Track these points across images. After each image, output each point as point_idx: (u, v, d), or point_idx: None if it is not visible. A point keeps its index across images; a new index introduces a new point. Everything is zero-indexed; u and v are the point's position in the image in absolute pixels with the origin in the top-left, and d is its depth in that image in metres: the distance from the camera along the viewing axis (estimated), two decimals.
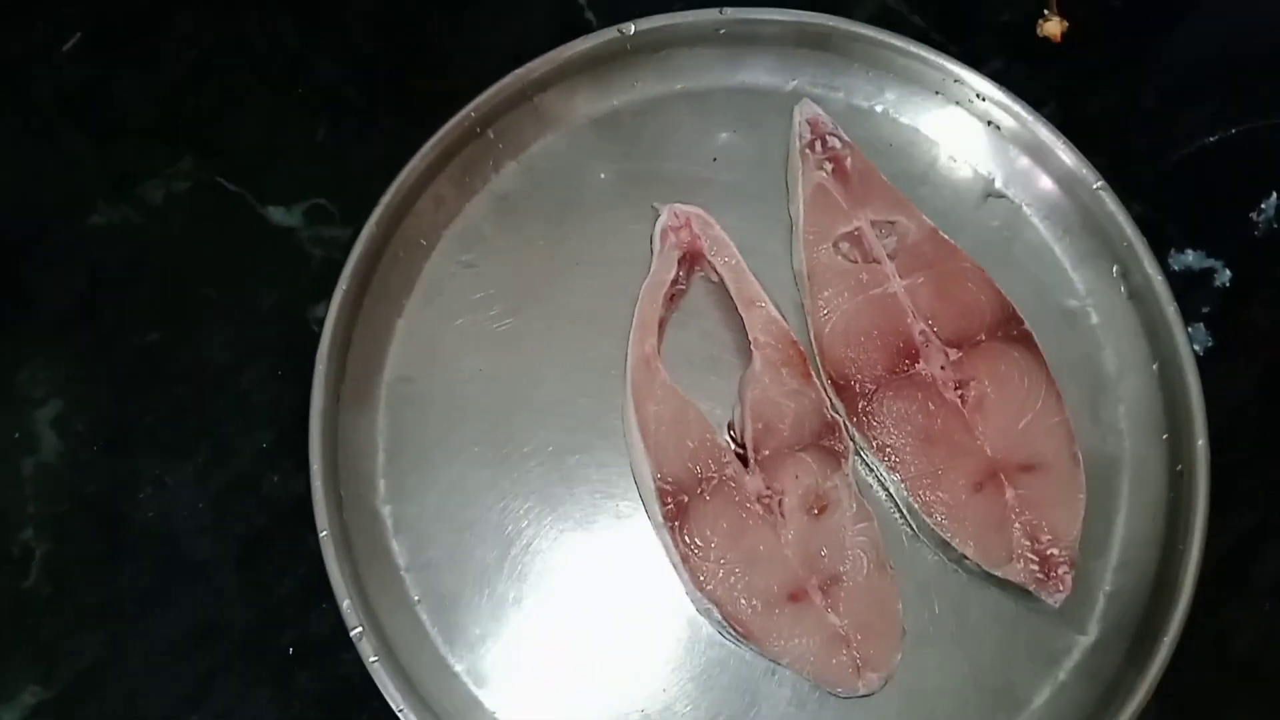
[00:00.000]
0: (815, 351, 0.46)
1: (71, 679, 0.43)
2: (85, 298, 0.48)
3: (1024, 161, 0.50)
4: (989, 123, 0.50)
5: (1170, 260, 0.51)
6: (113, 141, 0.50)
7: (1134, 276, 0.48)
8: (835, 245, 0.47)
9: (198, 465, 0.46)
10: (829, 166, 0.48)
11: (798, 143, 0.49)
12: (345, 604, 0.41)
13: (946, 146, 0.51)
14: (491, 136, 0.48)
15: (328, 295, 0.47)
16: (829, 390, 0.46)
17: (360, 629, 0.41)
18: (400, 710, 0.40)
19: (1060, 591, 0.42)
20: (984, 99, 0.50)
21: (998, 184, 0.50)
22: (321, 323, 0.47)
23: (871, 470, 0.45)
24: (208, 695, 0.43)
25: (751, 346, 0.46)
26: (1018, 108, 0.49)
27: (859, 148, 0.49)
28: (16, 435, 0.46)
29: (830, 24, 0.50)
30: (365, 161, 0.50)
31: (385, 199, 0.46)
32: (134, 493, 0.45)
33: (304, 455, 0.45)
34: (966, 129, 0.50)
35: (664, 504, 0.43)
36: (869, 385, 0.45)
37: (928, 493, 0.43)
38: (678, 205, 0.48)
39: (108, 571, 0.44)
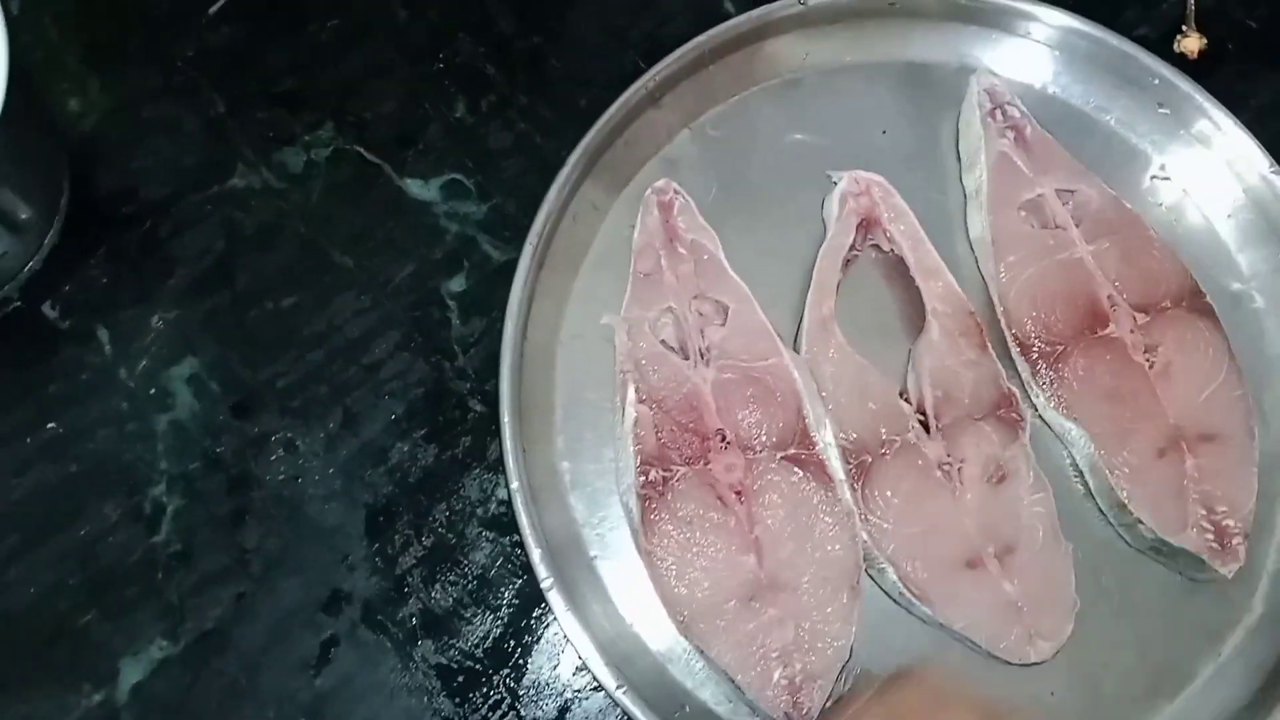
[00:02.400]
0: (1000, 314, 0.47)
1: (197, 636, 0.43)
2: (222, 260, 0.48)
3: (1194, 144, 0.50)
4: (1159, 104, 0.50)
5: None
6: (254, 106, 0.50)
7: None
8: (1019, 210, 0.48)
9: (329, 432, 0.46)
10: (1010, 134, 0.49)
11: (978, 111, 0.49)
12: (537, 554, 0.42)
13: (1116, 127, 0.51)
14: (665, 104, 0.49)
15: (461, 270, 0.48)
16: (1015, 351, 0.46)
17: (551, 580, 0.41)
18: (585, 659, 0.41)
19: (1235, 561, 0.43)
20: (1157, 80, 0.50)
21: (1165, 165, 0.51)
22: (455, 297, 0.48)
23: (1050, 429, 0.46)
24: (330, 661, 0.43)
25: (929, 315, 0.46)
26: (1192, 91, 0.49)
27: None
28: (152, 391, 0.46)
29: (1003, 2, 0.50)
30: (501, 140, 0.50)
31: (566, 166, 0.46)
32: (265, 455, 0.45)
33: (433, 428, 0.46)
34: (1138, 110, 0.51)
35: (846, 463, 0.43)
36: (1057, 346, 0.46)
37: (1113, 453, 0.44)
38: (859, 172, 0.48)
39: (236, 532, 0.44)
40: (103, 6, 0.52)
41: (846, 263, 0.47)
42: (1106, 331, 0.46)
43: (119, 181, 0.49)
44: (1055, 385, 0.45)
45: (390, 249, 0.48)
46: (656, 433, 0.43)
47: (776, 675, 0.40)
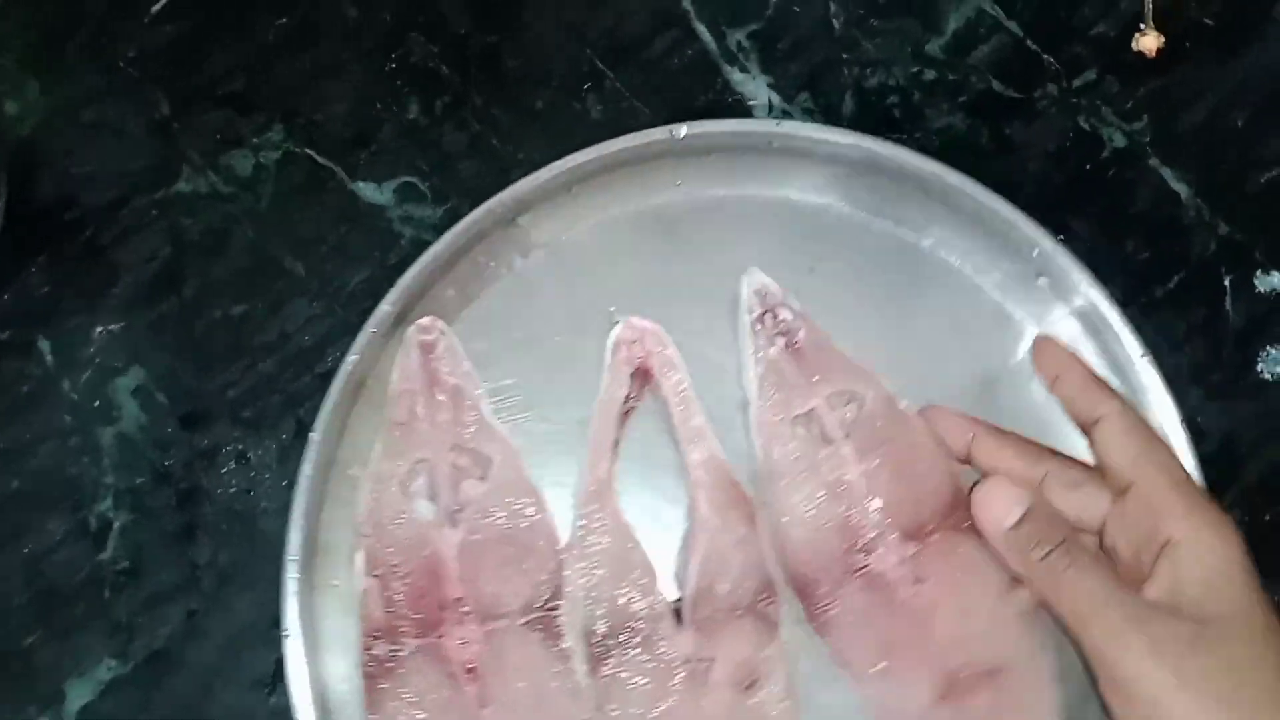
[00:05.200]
0: (774, 548, 0.42)
1: (147, 655, 0.42)
2: (169, 267, 0.47)
3: (1071, 321, 0.47)
4: (1039, 275, 0.47)
5: (1255, 282, 0.50)
6: (200, 108, 0.49)
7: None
8: (791, 427, 0.43)
9: (281, 443, 0.45)
10: (780, 340, 0.45)
11: (746, 317, 0.45)
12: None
13: (990, 293, 0.47)
14: (522, 224, 0.46)
15: None
16: (790, 592, 0.42)
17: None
18: None
19: None
20: (1037, 251, 0.46)
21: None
22: None
23: None
24: (284, 679, 0.42)
25: (693, 486, 0.42)
26: (1071, 266, 0.46)
27: (898, 283, 0.46)
28: (96, 404, 0.45)
29: (889, 153, 0.46)
30: (456, 142, 0.49)
31: (404, 279, 0.43)
32: (215, 468, 0.44)
33: None
34: (1015, 278, 0.47)
35: (589, 645, 0.40)
36: (825, 587, 0.42)
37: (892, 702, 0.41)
38: (634, 318, 0.44)
39: (186, 547, 0.43)
40: (39, 6, 0.50)
41: (627, 414, 0.44)
42: (871, 567, 0.42)
43: (60, 187, 0.48)
44: (827, 635, 0.41)
45: (343, 254, 0.47)
46: (387, 605, 0.40)
47: None
